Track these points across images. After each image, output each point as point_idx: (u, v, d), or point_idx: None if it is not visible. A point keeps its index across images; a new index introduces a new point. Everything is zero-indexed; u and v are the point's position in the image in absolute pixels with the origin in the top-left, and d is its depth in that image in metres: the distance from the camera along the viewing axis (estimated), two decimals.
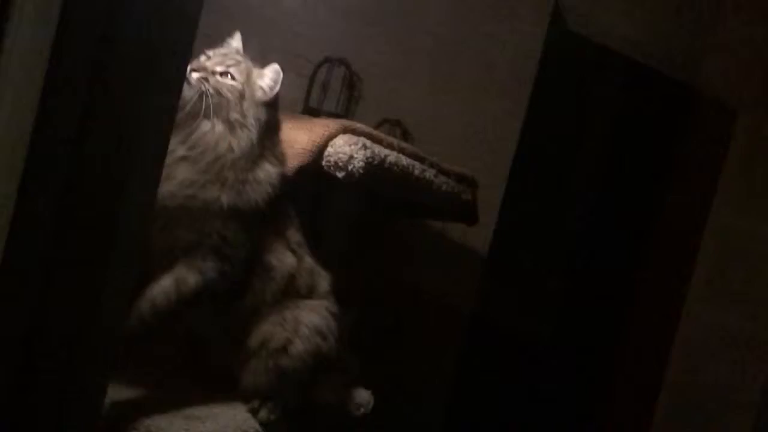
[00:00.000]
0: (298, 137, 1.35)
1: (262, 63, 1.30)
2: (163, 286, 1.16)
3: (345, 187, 1.38)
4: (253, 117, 1.20)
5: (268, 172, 1.22)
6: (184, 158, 1.16)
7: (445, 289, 2.11)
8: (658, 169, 2.67)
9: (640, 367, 2.63)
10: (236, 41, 1.30)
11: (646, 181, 2.64)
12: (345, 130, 1.37)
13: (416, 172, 1.51)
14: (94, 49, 0.65)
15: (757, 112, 2.65)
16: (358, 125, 1.43)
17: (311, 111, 1.93)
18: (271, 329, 1.26)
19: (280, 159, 1.28)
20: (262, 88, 1.24)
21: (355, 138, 1.36)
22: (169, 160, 1.11)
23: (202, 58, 1.22)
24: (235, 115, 1.18)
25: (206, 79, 1.18)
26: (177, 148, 1.16)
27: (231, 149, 1.17)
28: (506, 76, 2.23)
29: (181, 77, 0.76)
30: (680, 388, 2.60)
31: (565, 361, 2.52)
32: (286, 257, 1.30)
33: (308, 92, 1.94)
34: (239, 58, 1.25)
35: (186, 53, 0.75)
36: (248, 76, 1.23)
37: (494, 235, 2.18)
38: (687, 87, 2.64)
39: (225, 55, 1.24)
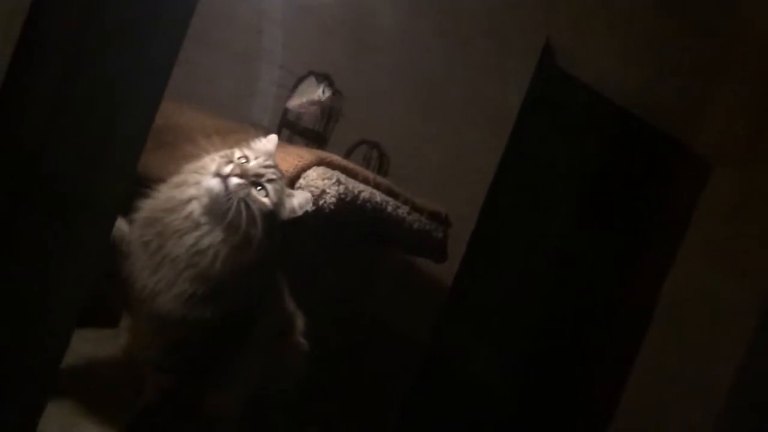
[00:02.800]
0: None
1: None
2: None
3: (313, 219, 1.33)
4: (266, 236, 1.07)
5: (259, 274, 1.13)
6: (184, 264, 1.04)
7: (406, 322, 2.07)
8: (630, 214, 2.67)
9: (590, 413, 2.63)
10: (271, 144, 1.18)
11: (617, 226, 2.64)
12: (320, 162, 1.31)
13: (389, 209, 1.47)
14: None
15: (734, 167, 2.67)
16: (335, 157, 1.37)
17: (288, 124, 1.88)
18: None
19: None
20: (289, 209, 1.13)
21: (329, 172, 1.31)
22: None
23: (238, 154, 1.08)
24: (252, 232, 1.04)
25: (244, 187, 1.04)
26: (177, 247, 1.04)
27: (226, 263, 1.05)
28: (491, 109, 2.20)
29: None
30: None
31: (512, 409, 2.50)
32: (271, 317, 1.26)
33: None
34: (279, 173, 1.12)
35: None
36: (281, 197, 1.10)
37: (459, 269, 2.15)
38: (667, 136, 2.65)
39: (265, 160, 1.11)
